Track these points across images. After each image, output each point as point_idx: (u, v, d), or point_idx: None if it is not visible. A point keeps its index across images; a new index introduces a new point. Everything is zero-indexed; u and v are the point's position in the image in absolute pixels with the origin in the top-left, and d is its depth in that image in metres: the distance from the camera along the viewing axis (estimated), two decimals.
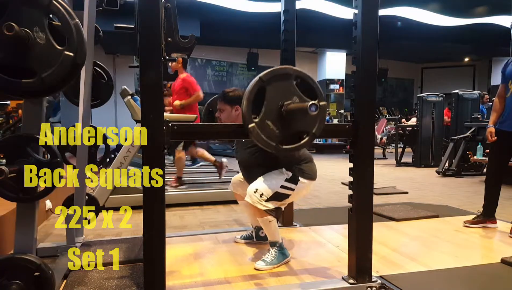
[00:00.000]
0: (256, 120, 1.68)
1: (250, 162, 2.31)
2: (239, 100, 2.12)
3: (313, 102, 1.59)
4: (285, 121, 1.72)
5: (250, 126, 1.67)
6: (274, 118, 1.71)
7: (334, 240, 2.69)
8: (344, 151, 10.78)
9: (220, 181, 4.67)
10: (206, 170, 5.78)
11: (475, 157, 5.98)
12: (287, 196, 2.17)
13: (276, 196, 2.13)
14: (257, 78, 1.69)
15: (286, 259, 2.22)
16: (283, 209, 2.26)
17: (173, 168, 5.56)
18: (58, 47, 1.42)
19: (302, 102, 1.68)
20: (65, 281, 2.00)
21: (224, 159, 4.61)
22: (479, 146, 5.94)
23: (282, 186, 2.14)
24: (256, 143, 1.76)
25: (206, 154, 4.64)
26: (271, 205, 2.11)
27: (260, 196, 2.09)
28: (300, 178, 2.19)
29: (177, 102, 4.42)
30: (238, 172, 2.54)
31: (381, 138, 9.77)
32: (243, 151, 2.34)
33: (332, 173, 6.75)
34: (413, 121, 8.43)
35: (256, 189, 2.10)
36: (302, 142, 1.76)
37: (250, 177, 2.29)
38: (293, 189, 2.17)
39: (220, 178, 4.54)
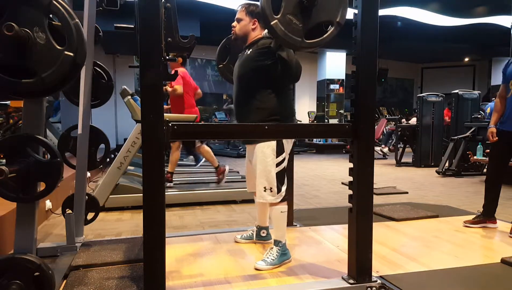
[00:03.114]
0: (278, 16, 1.63)
1: (248, 77, 2.20)
2: (259, 16, 2.11)
3: None
4: (307, 13, 1.67)
5: (272, 22, 1.63)
6: (296, 10, 1.66)
7: (334, 240, 2.69)
8: (344, 151, 10.78)
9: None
10: (207, 170, 5.77)
11: (475, 157, 5.97)
12: (284, 165, 2.19)
13: (279, 176, 2.16)
14: None
15: (287, 261, 2.22)
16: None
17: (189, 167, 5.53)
18: (58, 47, 1.42)
19: None
20: (65, 281, 2.00)
21: (227, 167, 4.59)
22: (479, 146, 5.94)
23: (277, 164, 2.16)
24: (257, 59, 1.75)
25: (211, 154, 4.63)
26: (281, 194, 2.16)
27: (271, 191, 2.13)
28: (283, 141, 2.18)
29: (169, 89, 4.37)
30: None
31: (389, 148, 9.55)
32: (242, 67, 2.24)
33: (332, 173, 6.73)
34: (413, 121, 8.43)
35: (264, 188, 2.13)
36: (328, 33, 1.71)
37: (241, 111, 2.24)
38: (283, 156, 2.18)
39: (219, 184, 4.52)
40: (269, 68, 2.11)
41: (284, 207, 2.21)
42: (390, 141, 9.66)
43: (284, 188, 2.20)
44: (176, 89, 4.30)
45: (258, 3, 2.06)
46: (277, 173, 2.15)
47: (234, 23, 2.27)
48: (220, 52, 2.59)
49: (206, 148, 4.64)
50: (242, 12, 2.24)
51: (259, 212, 2.56)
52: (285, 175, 2.22)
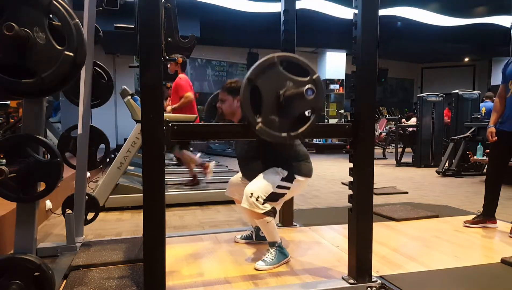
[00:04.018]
0: (260, 119, 1.68)
1: (249, 156, 2.31)
2: None
3: (308, 86, 1.60)
4: (287, 109, 1.72)
5: (257, 127, 1.67)
6: (276, 110, 1.71)
7: (334, 240, 2.69)
8: (344, 151, 10.78)
9: (220, 181, 4.67)
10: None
11: (475, 157, 5.97)
12: (283, 195, 2.18)
13: (272, 197, 2.13)
14: (245, 80, 1.67)
15: (286, 259, 2.22)
16: (278, 209, 2.26)
17: (172, 167, 5.55)
18: (58, 47, 1.42)
19: (296, 85, 1.68)
20: (65, 281, 2.00)
21: (204, 182, 4.57)
22: (479, 146, 5.94)
23: (278, 186, 2.14)
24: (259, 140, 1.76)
25: (192, 165, 4.62)
26: (268, 206, 2.11)
27: (256, 200, 2.07)
28: (296, 175, 2.19)
29: (168, 108, 4.36)
30: (237, 172, 2.53)
31: (380, 134, 9.79)
32: (242, 145, 2.35)
33: (332, 173, 6.73)
34: (413, 121, 8.42)
35: (251, 194, 2.08)
36: (310, 121, 1.75)
37: (248, 171, 2.30)
38: (288, 188, 2.18)
39: (185, 185, 4.51)
40: (262, 141, 2.10)
41: (269, 218, 2.13)
42: (387, 131, 9.85)
43: (270, 207, 2.11)
44: (188, 96, 4.31)
45: (236, 79, 2.17)
46: (273, 192, 2.12)
47: (219, 104, 2.29)
48: (208, 110, 2.63)
49: (188, 158, 4.55)
50: (223, 94, 2.26)
51: (246, 216, 2.52)
52: (278, 201, 2.18)
